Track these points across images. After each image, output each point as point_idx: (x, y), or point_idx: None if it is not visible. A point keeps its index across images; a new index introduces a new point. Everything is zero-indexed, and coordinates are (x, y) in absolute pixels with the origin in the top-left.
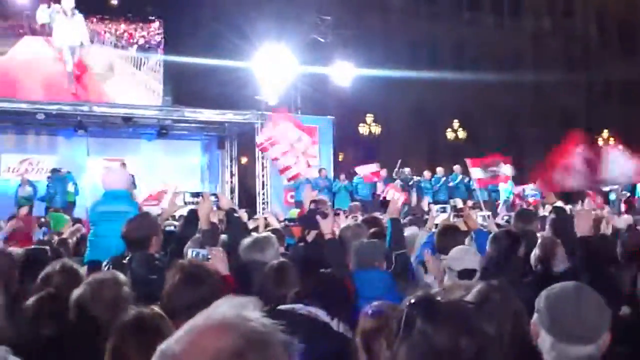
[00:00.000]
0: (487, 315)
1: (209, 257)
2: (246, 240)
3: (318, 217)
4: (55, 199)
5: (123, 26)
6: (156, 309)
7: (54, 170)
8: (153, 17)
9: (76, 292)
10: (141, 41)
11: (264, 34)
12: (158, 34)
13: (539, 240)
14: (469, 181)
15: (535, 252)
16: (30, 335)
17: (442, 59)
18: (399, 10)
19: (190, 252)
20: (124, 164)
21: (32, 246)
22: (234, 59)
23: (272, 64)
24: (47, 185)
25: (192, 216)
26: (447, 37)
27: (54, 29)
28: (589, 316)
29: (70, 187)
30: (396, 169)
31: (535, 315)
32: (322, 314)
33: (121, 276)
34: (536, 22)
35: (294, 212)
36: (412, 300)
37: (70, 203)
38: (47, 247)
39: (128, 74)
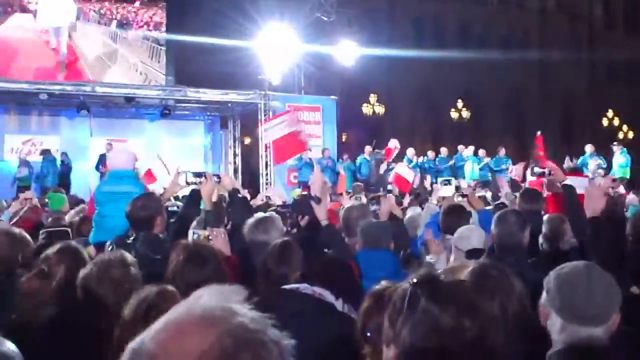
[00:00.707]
0: (488, 295)
1: (210, 238)
2: (250, 221)
3: (312, 203)
4: (47, 180)
5: (125, 6)
6: (170, 287)
7: (45, 151)
8: None
9: (82, 272)
10: (144, 21)
11: (267, 13)
12: (160, 14)
13: (546, 218)
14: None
15: (543, 230)
16: (28, 316)
17: (446, 38)
18: None
19: (191, 233)
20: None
21: (53, 228)
22: (237, 38)
23: (275, 43)
24: (40, 166)
25: (195, 196)
26: (452, 16)
27: (38, 7)
28: (600, 297)
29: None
30: (370, 150)
31: (544, 296)
32: (327, 294)
33: (128, 256)
34: (541, 1)
35: (297, 192)
36: (415, 279)
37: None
38: (68, 229)
39: (130, 54)
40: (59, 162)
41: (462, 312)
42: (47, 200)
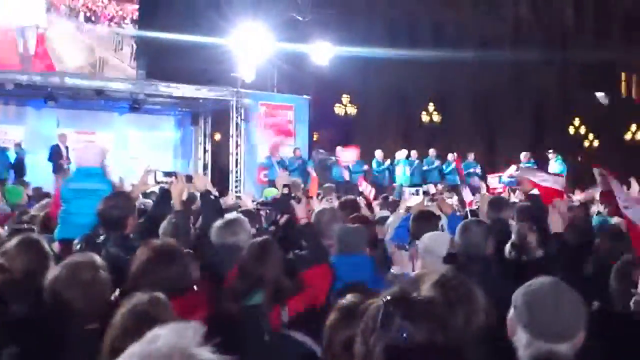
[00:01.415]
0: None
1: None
2: (217, 223)
3: (293, 202)
4: None
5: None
6: (158, 294)
7: None
8: None
9: (51, 274)
10: (116, 15)
11: (242, 10)
12: (132, 8)
13: (516, 228)
14: (441, 165)
15: (511, 239)
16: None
17: (420, 41)
18: None
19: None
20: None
21: (15, 225)
22: (211, 35)
23: (250, 41)
24: None
25: (165, 195)
26: (425, 19)
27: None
28: (567, 314)
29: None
30: (314, 152)
31: (511, 311)
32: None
33: (98, 259)
34: (515, 7)
35: (269, 192)
36: (389, 297)
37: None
38: (33, 226)
39: (101, 47)
40: (11, 154)
41: (436, 329)
42: (4, 192)
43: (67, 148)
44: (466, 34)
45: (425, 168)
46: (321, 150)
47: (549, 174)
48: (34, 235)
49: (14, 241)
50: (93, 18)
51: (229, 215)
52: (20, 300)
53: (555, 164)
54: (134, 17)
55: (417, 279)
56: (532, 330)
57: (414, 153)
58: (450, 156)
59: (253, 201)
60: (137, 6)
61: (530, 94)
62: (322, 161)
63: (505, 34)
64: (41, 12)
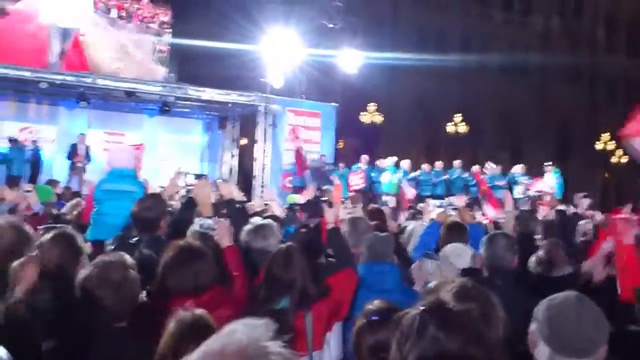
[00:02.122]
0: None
1: (215, 227)
2: (248, 227)
3: (324, 206)
4: (13, 168)
5: (134, 5)
6: (197, 311)
7: (12, 140)
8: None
9: (82, 273)
10: (149, 20)
11: (272, 17)
12: (166, 14)
13: (544, 243)
14: (466, 177)
15: (538, 255)
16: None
17: (448, 50)
18: (409, 0)
19: (197, 223)
20: None
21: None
22: (241, 41)
23: (279, 47)
24: (6, 154)
25: (190, 202)
26: (455, 29)
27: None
28: (589, 329)
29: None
30: (311, 159)
31: (533, 325)
32: None
33: (129, 259)
34: (545, 21)
35: (293, 198)
36: (424, 306)
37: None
38: (69, 226)
39: (134, 53)
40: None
41: (469, 340)
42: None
43: (87, 147)
44: (494, 45)
45: (445, 178)
46: (314, 158)
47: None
48: (68, 230)
49: (49, 235)
50: (126, 17)
51: (258, 220)
52: (52, 293)
53: (552, 178)
54: (167, 21)
55: (436, 288)
56: (553, 345)
57: (438, 164)
58: (403, 163)
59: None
60: (170, 12)
61: (557, 106)
62: (316, 169)
63: (534, 45)
64: (87, 14)
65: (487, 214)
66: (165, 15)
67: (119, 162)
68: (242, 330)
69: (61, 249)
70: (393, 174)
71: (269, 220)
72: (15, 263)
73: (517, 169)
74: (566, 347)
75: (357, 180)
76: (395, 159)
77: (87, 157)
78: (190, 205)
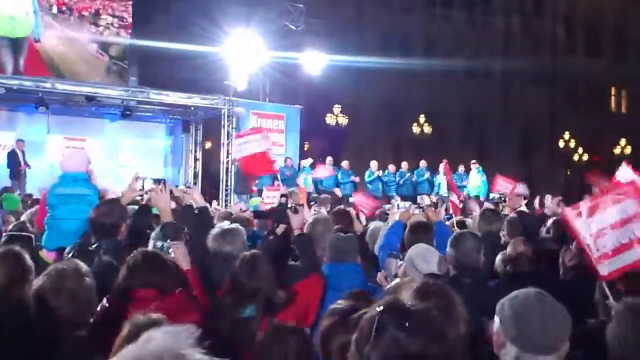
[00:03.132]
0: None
1: (170, 250)
2: (214, 231)
3: (289, 212)
4: None
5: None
6: (154, 315)
7: None
8: None
9: (36, 283)
10: (109, 20)
11: (235, 19)
12: (125, 14)
13: (511, 240)
14: (432, 177)
15: (506, 252)
16: None
17: (412, 52)
18: (372, 1)
19: (151, 244)
20: None
21: (10, 232)
22: (204, 43)
23: (242, 50)
24: None
25: (142, 208)
26: (418, 31)
27: None
28: (554, 327)
29: None
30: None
31: (497, 325)
32: None
33: (84, 266)
34: (506, 21)
35: (255, 201)
36: (382, 306)
37: None
38: (32, 235)
39: (93, 55)
40: None
41: (430, 340)
42: (2, 200)
43: (23, 153)
44: (458, 47)
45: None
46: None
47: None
48: (15, 248)
49: None
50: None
51: (226, 224)
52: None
53: (477, 176)
54: (127, 24)
55: (397, 287)
56: (521, 343)
57: (404, 164)
58: (441, 166)
59: (244, 210)
60: (129, 12)
61: (520, 107)
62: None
63: (496, 47)
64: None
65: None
66: (124, 12)
67: (71, 166)
68: (160, 337)
69: (9, 267)
70: (308, 174)
71: (236, 225)
72: None
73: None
74: (533, 346)
75: (323, 172)
76: (310, 160)
77: (26, 163)
78: (144, 211)
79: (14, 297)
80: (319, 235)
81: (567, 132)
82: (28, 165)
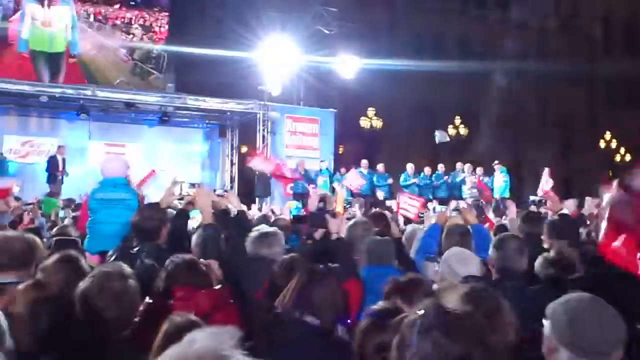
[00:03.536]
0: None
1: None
2: (253, 234)
3: (327, 216)
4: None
5: (128, 14)
6: (192, 317)
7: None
8: (158, 8)
9: (82, 285)
10: (139, 30)
11: (269, 24)
12: (163, 22)
13: (556, 244)
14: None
15: (549, 256)
16: (28, 329)
17: (446, 54)
18: (405, 4)
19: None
20: None
21: (59, 237)
22: (238, 49)
23: (276, 55)
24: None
25: (180, 211)
26: (452, 32)
27: (24, 26)
28: (610, 331)
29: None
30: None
31: (549, 330)
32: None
33: (127, 268)
34: (543, 20)
35: (291, 204)
36: (424, 310)
37: None
38: (78, 239)
39: (120, 58)
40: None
41: (472, 344)
42: (41, 203)
43: (64, 160)
44: (492, 48)
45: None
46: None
47: None
48: (72, 253)
49: (53, 257)
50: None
51: (265, 228)
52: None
53: (500, 175)
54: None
55: (440, 291)
56: (575, 349)
57: (440, 167)
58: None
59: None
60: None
61: (557, 108)
62: (306, 176)
63: (533, 48)
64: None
65: (490, 216)
66: (155, 22)
67: (111, 171)
68: (202, 338)
69: (66, 271)
70: (327, 177)
71: (274, 228)
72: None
73: (467, 168)
74: (589, 351)
75: (355, 180)
76: (326, 163)
77: (64, 169)
78: (181, 214)
79: (70, 301)
80: (358, 238)
81: (608, 133)
82: (65, 172)
